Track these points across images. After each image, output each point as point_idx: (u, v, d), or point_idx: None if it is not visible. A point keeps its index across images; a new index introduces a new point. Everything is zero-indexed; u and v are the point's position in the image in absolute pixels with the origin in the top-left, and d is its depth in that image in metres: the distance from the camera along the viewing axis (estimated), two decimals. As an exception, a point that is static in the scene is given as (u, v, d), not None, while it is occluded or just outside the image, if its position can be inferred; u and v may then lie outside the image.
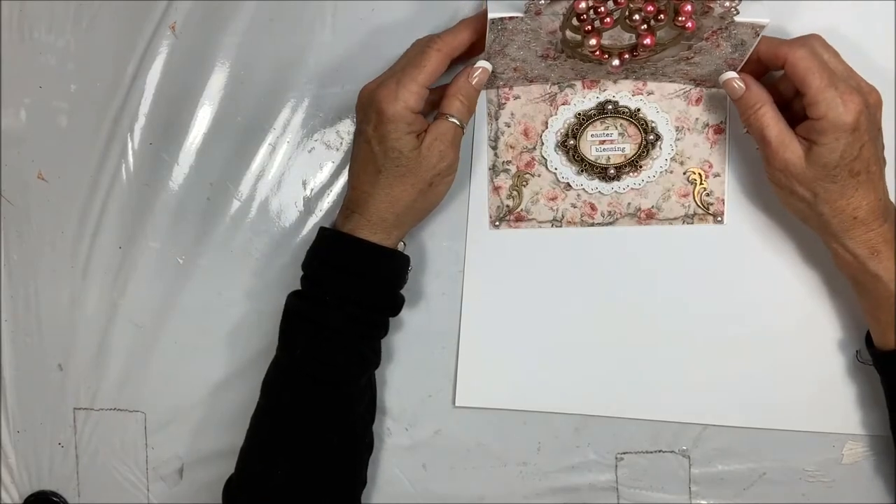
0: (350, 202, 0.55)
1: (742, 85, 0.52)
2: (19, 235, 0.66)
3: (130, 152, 0.64)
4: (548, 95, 0.58)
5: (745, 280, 0.59)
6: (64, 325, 0.66)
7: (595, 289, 0.61)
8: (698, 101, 0.58)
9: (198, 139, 0.63)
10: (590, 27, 0.50)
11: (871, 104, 0.49)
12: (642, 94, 0.58)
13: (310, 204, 0.63)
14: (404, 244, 0.57)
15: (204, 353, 0.65)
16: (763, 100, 0.51)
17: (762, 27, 0.50)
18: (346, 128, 0.62)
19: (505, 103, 0.59)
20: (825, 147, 0.49)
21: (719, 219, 0.59)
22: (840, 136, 0.48)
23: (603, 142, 0.58)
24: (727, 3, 0.48)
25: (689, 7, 0.48)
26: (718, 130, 0.58)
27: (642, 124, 0.58)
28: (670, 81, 0.57)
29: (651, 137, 0.58)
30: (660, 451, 0.62)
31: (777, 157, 0.50)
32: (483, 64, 0.54)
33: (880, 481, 0.60)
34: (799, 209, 0.53)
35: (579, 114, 0.58)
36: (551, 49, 0.53)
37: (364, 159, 0.54)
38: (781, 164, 0.50)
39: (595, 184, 0.59)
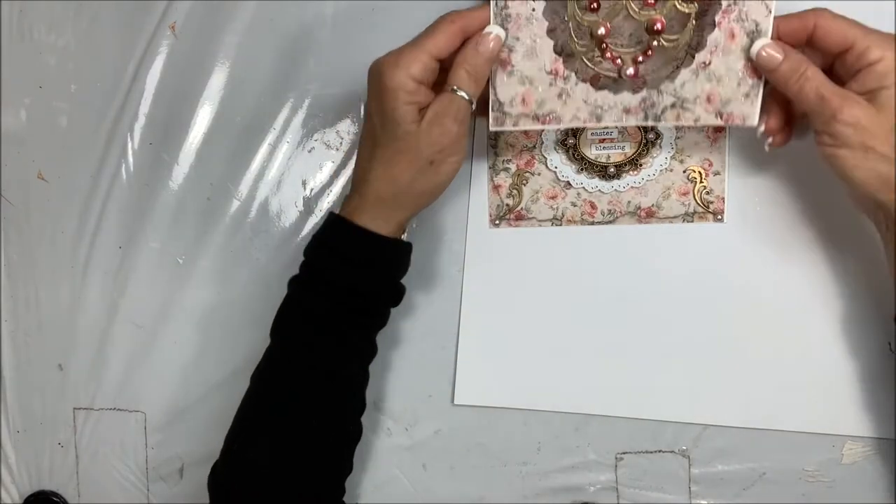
0: (353, 181, 0.53)
1: (779, 51, 0.48)
2: (19, 235, 0.66)
3: (130, 152, 0.64)
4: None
5: (746, 279, 0.59)
6: (64, 325, 0.66)
7: (595, 288, 0.60)
8: None
9: (198, 139, 0.63)
10: (596, 3, 0.49)
11: None
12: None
13: (310, 204, 0.63)
14: (407, 230, 0.55)
15: (204, 353, 0.65)
16: (806, 61, 0.48)
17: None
18: (346, 128, 0.62)
19: None
20: (893, 88, 0.46)
21: (719, 217, 0.59)
22: None
23: (603, 140, 0.58)
24: None
25: None
26: (718, 129, 0.58)
27: None
28: (694, 119, 0.53)
29: (651, 136, 0.58)
30: (660, 451, 0.62)
31: (844, 111, 0.46)
32: (494, 29, 0.50)
33: (880, 481, 0.60)
34: (879, 172, 0.47)
35: None
36: (559, 61, 0.52)
37: (365, 135, 0.52)
38: (852, 118, 0.46)
39: (595, 182, 0.59)
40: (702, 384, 0.60)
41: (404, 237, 0.54)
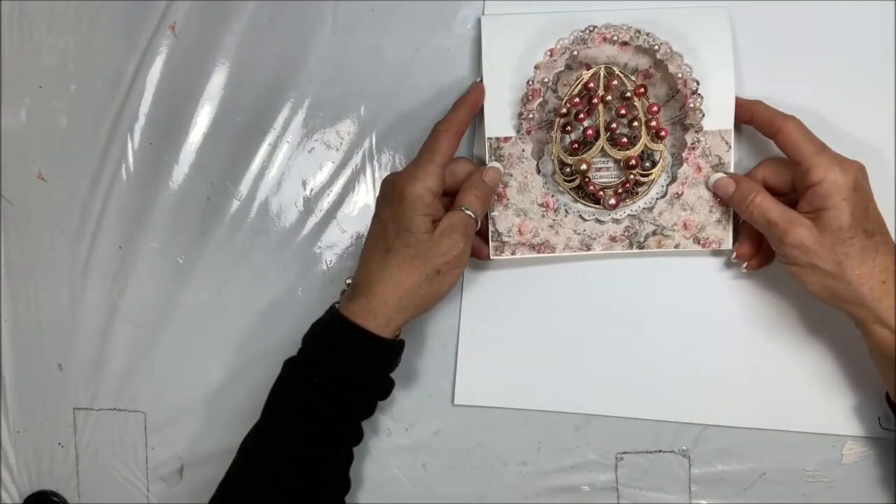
0: (357, 283, 0.55)
1: (731, 183, 0.54)
2: (19, 235, 0.66)
3: (130, 152, 0.64)
4: (545, 123, 0.58)
5: (747, 279, 0.59)
6: (64, 325, 0.66)
7: (596, 288, 0.60)
8: None
9: (198, 139, 0.63)
10: (577, 145, 0.55)
11: (861, 168, 0.50)
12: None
13: (310, 204, 0.63)
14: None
15: (204, 354, 0.65)
16: (755, 188, 0.53)
17: (728, 132, 0.54)
18: (346, 128, 0.62)
19: None
20: (834, 210, 0.49)
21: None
22: (845, 195, 0.49)
23: (599, 170, 0.58)
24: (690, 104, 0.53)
25: (656, 108, 0.54)
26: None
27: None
28: (675, 245, 0.57)
29: (647, 165, 0.57)
30: (660, 451, 0.62)
31: (789, 234, 0.50)
32: (494, 164, 0.56)
33: (880, 481, 0.60)
34: (826, 286, 0.51)
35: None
36: (549, 194, 0.56)
37: (375, 241, 0.54)
38: (796, 240, 0.50)
39: (591, 212, 0.58)
40: (702, 384, 0.60)
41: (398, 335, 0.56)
